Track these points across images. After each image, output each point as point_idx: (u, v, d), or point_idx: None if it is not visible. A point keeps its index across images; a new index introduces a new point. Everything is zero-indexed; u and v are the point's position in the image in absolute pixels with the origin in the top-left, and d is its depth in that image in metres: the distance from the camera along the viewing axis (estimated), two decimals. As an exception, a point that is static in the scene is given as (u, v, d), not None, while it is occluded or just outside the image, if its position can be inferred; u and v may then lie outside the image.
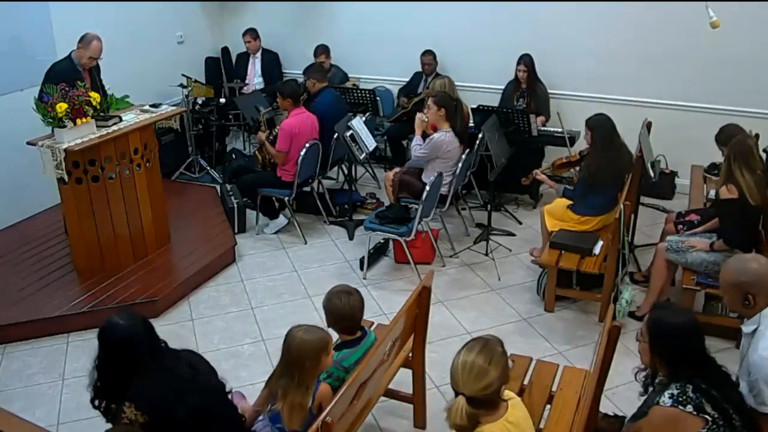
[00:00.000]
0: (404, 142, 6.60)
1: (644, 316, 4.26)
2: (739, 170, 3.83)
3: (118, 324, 2.41)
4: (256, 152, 5.91)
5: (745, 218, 3.91)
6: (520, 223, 5.81)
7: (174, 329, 4.39)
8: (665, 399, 2.37)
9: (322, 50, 6.97)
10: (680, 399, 2.35)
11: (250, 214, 5.76)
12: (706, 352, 2.49)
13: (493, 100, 6.38)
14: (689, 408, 2.33)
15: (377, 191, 6.42)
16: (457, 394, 2.17)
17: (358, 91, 6.64)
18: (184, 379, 2.41)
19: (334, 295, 2.88)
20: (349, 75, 7.18)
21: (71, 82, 4.49)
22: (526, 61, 6.12)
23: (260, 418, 2.77)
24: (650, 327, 2.51)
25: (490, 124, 5.38)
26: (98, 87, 5.01)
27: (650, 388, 2.61)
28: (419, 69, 6.74)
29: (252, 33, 7.24)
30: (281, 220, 5.75)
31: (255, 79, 7.38)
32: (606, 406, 3.46)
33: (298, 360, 2.57)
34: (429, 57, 6.62)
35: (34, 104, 4.38)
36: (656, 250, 4.34)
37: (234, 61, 7.73)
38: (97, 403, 2.45)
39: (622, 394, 3.65)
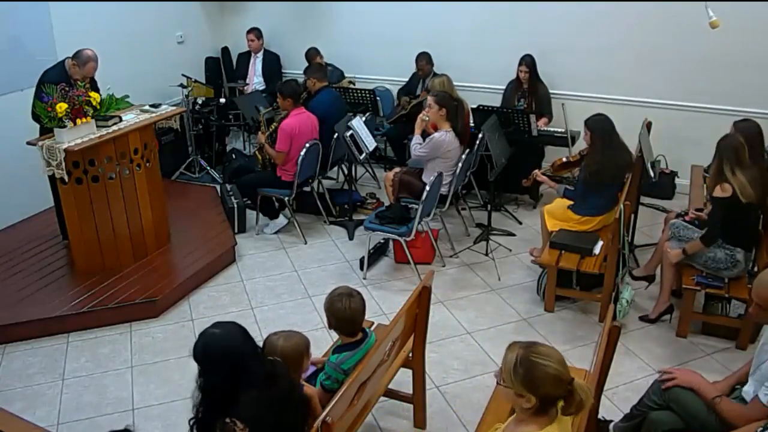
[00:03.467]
0: (404, 142, 6.59)
1: (657, 318, 4.29)
2: (730, 169, 3.84)
3: (215, 334, 2.29)
4: (256, 152, 5.90)
5: (734, 216, 3.92)
6: (520, 223, 5.80)
7: (174, 329, 4.40)
8: None
9: (315, 53, 7.00)
10: None
11: (250, 214, 5.76)
12: None
13: (494, 100, 6.37)
14: None
15: (377, 191, 6.41)
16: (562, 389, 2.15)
17: (358, 91, 6.63)
18: (283, 393, 2.33)
19: (336, 298, 2.85)
20: (347, 74, 7.18)
21: None
22: (527, 61, 6.11)
23: None
24: None
25: (490, 124, 5.38)
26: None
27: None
28: (417, 70, 6.74)
29: (256, 32, 7.26)
30: (281, 220, 5.75)
31: (255, 79, 7.38)
32: (606, 406, 3.46)
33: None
34: (422, 61, 6.54)
35: (33, 105, 4.37)
36: (665, 220, 4.62)
37: (234, 61, 7.74)
38: (201, 424, 2.28)
39: (622, 394, 3.65)
